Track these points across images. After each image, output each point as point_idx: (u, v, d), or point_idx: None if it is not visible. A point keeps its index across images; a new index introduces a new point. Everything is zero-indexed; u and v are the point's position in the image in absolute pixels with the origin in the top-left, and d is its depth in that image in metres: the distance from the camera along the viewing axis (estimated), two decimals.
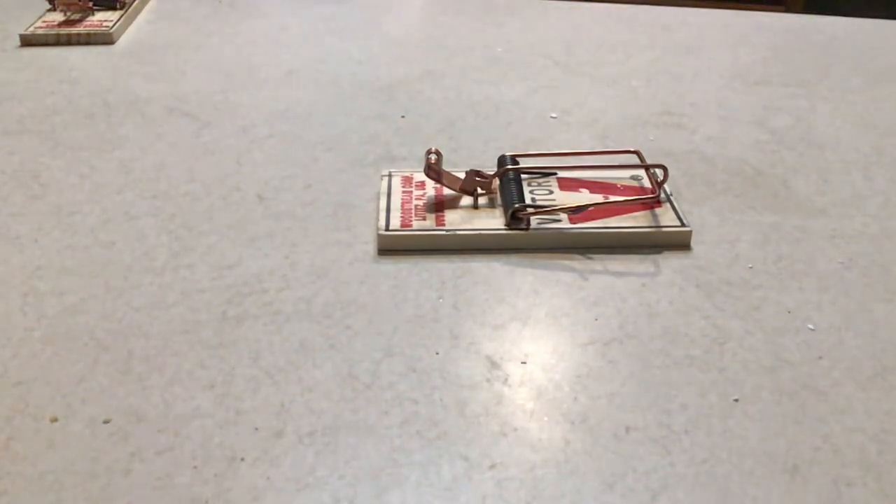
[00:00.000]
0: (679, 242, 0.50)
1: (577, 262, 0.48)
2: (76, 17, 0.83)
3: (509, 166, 0.53)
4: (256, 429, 0.37)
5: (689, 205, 0.54)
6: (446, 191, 0.53)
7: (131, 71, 0.75)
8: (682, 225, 0.50)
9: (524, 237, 0.49)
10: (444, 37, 0.84)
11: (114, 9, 0.86)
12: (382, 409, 0.38)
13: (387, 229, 0.49)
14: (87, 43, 0.80)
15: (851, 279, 0.47)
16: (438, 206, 0.52)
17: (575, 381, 0.40)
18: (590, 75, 0.75)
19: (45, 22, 0.83)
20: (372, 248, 0.49)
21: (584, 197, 0.53)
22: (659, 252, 0.49)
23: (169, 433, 0.36)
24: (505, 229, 0.50)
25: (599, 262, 0.48)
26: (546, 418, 0.37)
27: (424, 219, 0.50)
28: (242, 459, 0.35)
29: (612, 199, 0.52)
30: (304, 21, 0.88)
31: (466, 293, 0.46)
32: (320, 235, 0.51)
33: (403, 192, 0.53)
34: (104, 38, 0.81)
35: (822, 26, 0.87)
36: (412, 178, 0.55)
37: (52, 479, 0.34)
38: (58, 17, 0.84)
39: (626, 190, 0.54)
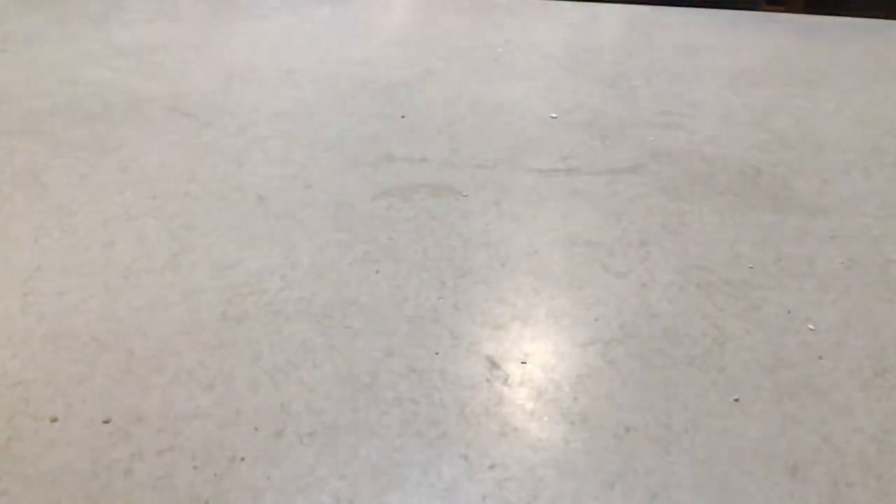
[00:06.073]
0: None
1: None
2: None
3: None
4: (256, 429, 0.37)
5: (689, 205, 0.54)
6: None
7: (131, 71, 0.75)
8: None
9: None
10: (444, 37, 0.84)
11: None
12: (382, 409, 0.38)
13: None
14: None
15: (851, 279, 0.47)
16: None
17: (575, 381, 0.40)
18: (590, 75, 0.75)
19: None
20: (371, 247, 0.49)
21: None
22: None
23: (169, 433, 0.36)
24: None
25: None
26: (546, 418, 0.37)
27: None
28: (242, 459, 0.35)
29: None
30: (304, 21, 0.88)
31: (466, 293, 0.46)
32: (320, 235, 0.51)
33: None
34: None
35: (822, 26, 0.87)
36: None
37: (52, 479, 0.34)
38: None
39: None
